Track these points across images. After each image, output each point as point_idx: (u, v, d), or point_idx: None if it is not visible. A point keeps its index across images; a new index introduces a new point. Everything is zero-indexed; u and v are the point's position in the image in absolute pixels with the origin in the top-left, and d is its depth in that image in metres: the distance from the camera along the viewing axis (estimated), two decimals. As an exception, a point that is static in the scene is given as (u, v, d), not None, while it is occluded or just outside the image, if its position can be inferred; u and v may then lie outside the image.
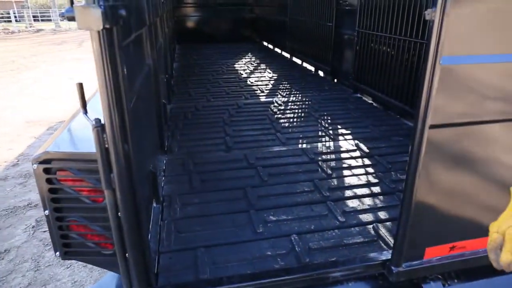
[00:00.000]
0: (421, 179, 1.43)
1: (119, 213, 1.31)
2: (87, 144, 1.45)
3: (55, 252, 1.50)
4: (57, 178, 1.38)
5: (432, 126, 1.35)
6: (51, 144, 1.42)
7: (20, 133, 5.30)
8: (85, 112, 1.30)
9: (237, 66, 6.47)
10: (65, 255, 1.50)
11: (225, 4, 9.41)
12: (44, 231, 2.86)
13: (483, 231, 1.67)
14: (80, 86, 1.26)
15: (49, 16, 27.09)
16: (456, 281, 1.73)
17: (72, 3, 1.06)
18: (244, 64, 6.65)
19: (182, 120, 3.70)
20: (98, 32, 1.06)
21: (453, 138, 1.39)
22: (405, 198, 1.50)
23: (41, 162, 1.35)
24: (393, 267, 1.61)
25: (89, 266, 2.47)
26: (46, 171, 1.36)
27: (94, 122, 1.17)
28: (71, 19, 1.03)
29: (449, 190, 1.51)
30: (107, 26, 1.04)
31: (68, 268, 2.45)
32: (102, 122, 1.19)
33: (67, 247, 1.49)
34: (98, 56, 1.09)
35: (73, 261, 2.53)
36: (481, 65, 1.29)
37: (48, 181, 1.37)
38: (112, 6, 1.07)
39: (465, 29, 1.24)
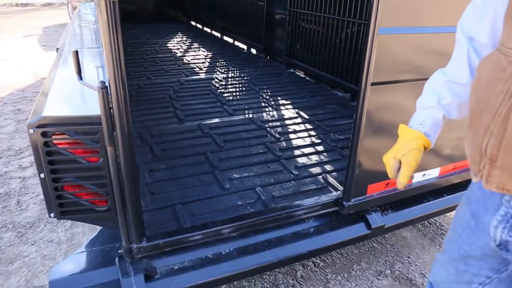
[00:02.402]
0: (365, 127, 1.79)
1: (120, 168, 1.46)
2: (77, 107, 1.58)
3: (50, 213, 1.60)
4: (52, 141, 1.47)
5: (373, 84, 1.70)
6: (43, 109, 1.50)
7: None
8: (81, 78, 1.42)
9: (170, 45, 6.47)
10: (61, 215, 1.60)
11: None
12: (-4, 214, 2.77)
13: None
14: (76, 53, 1.38)
15: None
16: (390, 211, 2.17)
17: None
18: (177, 43, 6.66)
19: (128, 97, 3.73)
20: (106, 4, 1.20)
21: (388, 94, 1.77)
22: (352, 144, 1.85)
23: (37, 127, 1.44)
24: (344, 202, 1.98)
25: (56, 240, 2.50)
26: (43, 135, 1.45)
27: (99, 85, 1.31)
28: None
29: (383, 137, 1.90)
30: (114, -2, 1.19)
31: (33, 245, 2.45)
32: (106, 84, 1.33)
33: (62, 207, 1.60)
34: (105, 27, 1.24)
35: (37, 238, 2.55)
36: (407, 35, 1.66)
37: (45, 144, 1.46)
38: None
39: (396, 7, 1.59)
